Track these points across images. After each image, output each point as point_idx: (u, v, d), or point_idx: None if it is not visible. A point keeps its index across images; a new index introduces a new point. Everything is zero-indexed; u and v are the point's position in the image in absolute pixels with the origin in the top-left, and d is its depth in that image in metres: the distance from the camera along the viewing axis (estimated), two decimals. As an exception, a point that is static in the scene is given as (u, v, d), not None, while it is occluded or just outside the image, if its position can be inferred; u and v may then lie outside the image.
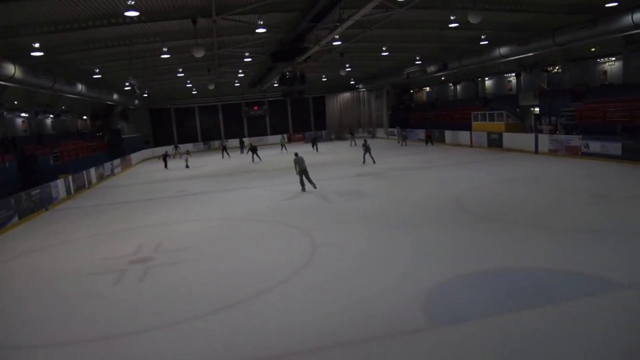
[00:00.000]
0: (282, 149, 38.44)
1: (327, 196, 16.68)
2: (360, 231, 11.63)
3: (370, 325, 6.56)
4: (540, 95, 28.68)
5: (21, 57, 18.34)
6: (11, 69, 17.68)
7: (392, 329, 6.41)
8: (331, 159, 30.04)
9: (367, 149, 25.95)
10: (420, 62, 32.80)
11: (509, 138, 26.36)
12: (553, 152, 22.47)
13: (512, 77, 33.27)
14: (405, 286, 7.85)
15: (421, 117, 41.76)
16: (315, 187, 18.01)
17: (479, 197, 14.70)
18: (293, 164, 18.38)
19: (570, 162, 20.29)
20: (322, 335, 6.40)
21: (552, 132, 24.82)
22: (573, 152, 21.41)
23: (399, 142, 37.60)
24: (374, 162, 25.23)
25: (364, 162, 25.54)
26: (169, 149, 40.56)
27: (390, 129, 43.89)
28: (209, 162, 34.70)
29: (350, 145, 39.42)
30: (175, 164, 34.73)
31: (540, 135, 24.15)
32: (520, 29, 22.69)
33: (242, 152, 39.89)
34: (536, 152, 23.51)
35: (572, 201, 13.27)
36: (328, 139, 47.41)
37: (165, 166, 33.26)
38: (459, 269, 8.39)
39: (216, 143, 46.43)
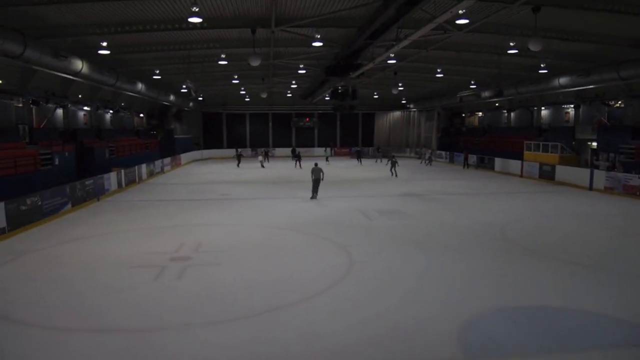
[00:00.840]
0: (326, 160, 39.82)
1: (368, 213, 16.57)
2: (399, 252, 11.47)
3: (399, 351, 6.45)
4: (599, 130, 27.57)
5: (89, 54, 19.34)
6: (79, 65, 18.66)
7: (423, 358, 6.25)
8: (375, 175, 29.87)
9: (393, 164, 29.47)
10: (475, 86, 32.29)
11: (562, 171, 25.41)
12: (609, 190, 21.47)
13: (570, 109, 32.14)
14: (441, 314, 7.66)
15: (472, 142, 40.97)
16: (314, 198, 19.73)
17: (526, 229, 14.19)
18: (310, 174, 20.13)
19: (627, 202, 19.30)
20: (347, 356, 6.32)
21: (610, 168, 23.76)
22: (631, 191, 20.38)
23: (421, 162, 40.35)
24: (393, 175, 28.69)
25: (394, 175, 28.71)
26: (243, 150, 43.03)
27: (437, 151, 43.30)
28: (265, 167, 35.28)
29: (376, 162, 41.45)
30: (215, 167, 35.50)
31: (596, 171, 23.14)
32: (583, 59, 21.99)
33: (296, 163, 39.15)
34: (590, 188, 22.54)
35: (628, 243, 12.59)
36: (376, 156, 46.92)
37: (238, 165, 37.18)
38: (499, 302, 8.11)
39: (262, 150, 47.35)
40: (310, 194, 20.07)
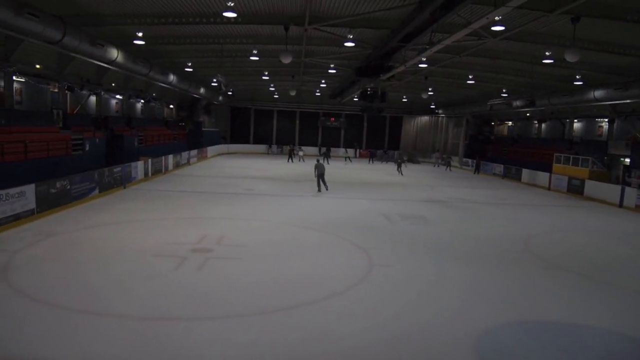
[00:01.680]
0: (346, 160, 42.42)
1: (390, 217, 16.47)
2: (420, 258, 11.36)
3: (411, 354, 6.41)
4: (633, 146, 26.80)
5: (125, 44, 19.71)
6: (114, 54, 19.04)
7: (439, 365, 6.19)
8: (399, 180, 29.66)
9: (399, 164, 32.95)
10: (506, 94, 31.78)
11: (591, 186, 24.80)
12: (640, 208, 20.87)
13: (604, 123, 31.36)
14: (458, 322, 7.55)
15: (499, 151, 40.37)
16: (327, 190, 21.53)
17: (550, 243, 13.88)
18: (313, 171, 22.00)
19: (658, 222, 18.73)
20: (357, 358, 6.30)
21: (642, 186, 23.09)
22: (663, 211, 19.77)
23: (434, 165, 42.59)
24: (399, 174, 31.69)
25: (400, 174, 31.77)
26: (295, 147, 44.30)
27: (464, 158, 42.77)
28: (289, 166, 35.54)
29: (381, 163, 44.07)
30: (241, 161, 35.74)
31: (627, 189, 22.48)
32: (621, 72, 21.45)
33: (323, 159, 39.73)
34: (620, 205, 21.92)
35: (655, 264, 12.23)
36: (382, 159, 46.89)
37: (289, 160, 39.73)
38: (518, 315, 7.97)
39: (287, 148, 47.86)
40: (318, 191, 21.52)
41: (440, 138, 50.07)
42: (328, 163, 36.10)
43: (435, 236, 13.92)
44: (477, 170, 37.18)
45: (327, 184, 21.83)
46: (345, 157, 43.46)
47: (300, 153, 42.10)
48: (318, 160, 22.35)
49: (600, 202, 23.08)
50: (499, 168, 35.18)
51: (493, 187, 28.12)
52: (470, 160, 41.19)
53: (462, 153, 43.79)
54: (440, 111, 49.00)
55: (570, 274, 10.74)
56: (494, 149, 42.22)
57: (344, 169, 35.65)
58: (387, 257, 11.20)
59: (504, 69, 24.63)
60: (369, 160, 44.69)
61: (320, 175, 21.53)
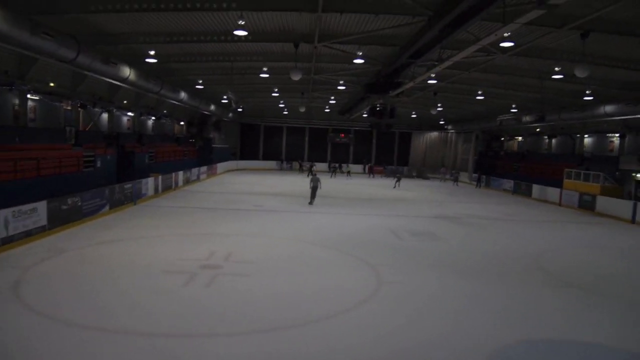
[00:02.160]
0: (347, 175, 43.27)
1: (399, 233, 16.38)
2: (429, 275, 11.26)
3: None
4: (646, 161, 26.52)
5: (137, 62, 20.02)
6: (127, 72, 19.32)
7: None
8: (406, 195, 29.57)
9: (398, 178, 35.67)
10: (515, 110, 31.72)
11: (603, 202, 24.53)
12: (653, 224, 20.59)
13: (615, 138, 31.12)
14: (468, 341, 7.45)
15: (509, 167, 40.13)
16: (311, 204, 22.38)
17: (562, 260, 13.71)
18: (309, 182, 23.25)
19: (672, 238, 18.44)
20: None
21: (655, 202, 22.78)
22: (677, 227, 19.46)
23: (440, 180, 43.97)
24: (396, 188, 33.42)
25: (394, 187, 33.60)
26: (315, 164, 44.82)
27: (474, 174, 42.59)
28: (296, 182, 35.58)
29: (380, 177, 45.67)
30: (250, 178, 35.84)
31: (639, 204, 22.25)
32: (632, 87, 21.32)
33: (331, 175, 42.99)
34: (633, 221, 21.64)
35: (671, 281, 12.01)
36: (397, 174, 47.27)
37: (308, 175, 40.15)
38: (529, 334, 7.85)
39: (307, 164, 48.75)
40: (309, 203, 22.60)
41: (449, 154, 49.96)
42: (335, 176, 38.41)
43: (444, 253, 13.81)
44: (479, 184, 38.45)
45: (315, 199, 22.85)
46: (347, 172, 44.32)
47: (314, 168, 42.40)
48: (315, 174, 24.42)
49: (612, 218, 22.81)
50: (509, 184, 34.96)
51: (503, 203, 27.91)
52: (442, 169, 42.47)
53: (471, 169, 43.60)
54: (449, 127, 48.98)
55: (583, 292, 10.58)
56: (503, 164, 41.97)
57: (348, 184, 35.75)
58: (396, 274, 11.11)
59: (513, 85, 24.63)
60: (369, 175, 46.43)
61: (313, 188, 22.80)
